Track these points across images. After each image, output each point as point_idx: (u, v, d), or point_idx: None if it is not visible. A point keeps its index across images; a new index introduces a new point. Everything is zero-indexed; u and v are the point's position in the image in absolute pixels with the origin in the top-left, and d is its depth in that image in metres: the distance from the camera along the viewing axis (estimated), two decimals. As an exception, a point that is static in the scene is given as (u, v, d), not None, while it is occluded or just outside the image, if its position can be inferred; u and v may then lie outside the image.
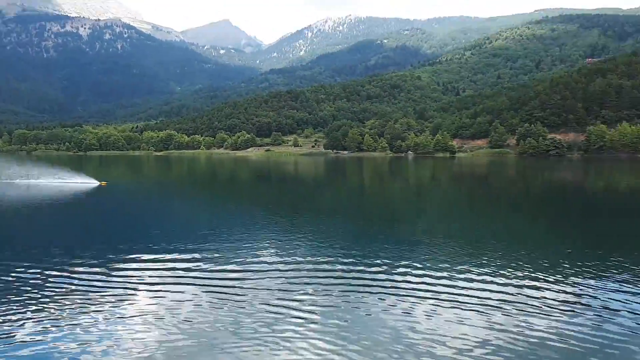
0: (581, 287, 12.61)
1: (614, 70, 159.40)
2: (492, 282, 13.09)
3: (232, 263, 15.42)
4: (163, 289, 12.74)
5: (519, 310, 10.95)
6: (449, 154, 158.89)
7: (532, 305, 11.25)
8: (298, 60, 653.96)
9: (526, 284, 12.92)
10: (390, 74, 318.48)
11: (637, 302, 11.35)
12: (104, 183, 43.80)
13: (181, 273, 14.34)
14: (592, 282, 13.09)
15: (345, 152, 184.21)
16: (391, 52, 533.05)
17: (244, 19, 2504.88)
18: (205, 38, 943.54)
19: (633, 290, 12.26)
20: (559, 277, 13.57)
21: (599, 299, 11.68)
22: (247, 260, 15.79)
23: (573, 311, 10.83)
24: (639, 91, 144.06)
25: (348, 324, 10.29)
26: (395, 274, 14.06)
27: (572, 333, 9.64)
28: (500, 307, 11.14)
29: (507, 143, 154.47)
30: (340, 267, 14.84)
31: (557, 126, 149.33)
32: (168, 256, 16.45)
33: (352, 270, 14.38)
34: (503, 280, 13.20)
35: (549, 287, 12.64)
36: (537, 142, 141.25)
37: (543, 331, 9.74)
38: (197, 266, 15.07)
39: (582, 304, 11.31)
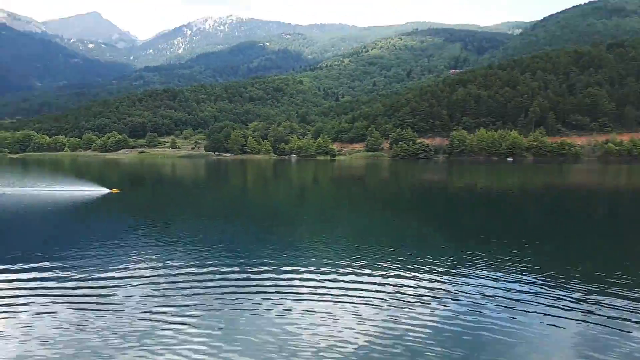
0: (449, 279, 13.08)
1: (473, 81, 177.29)
2: (368, 277, 13.27)
3: (101, 273, 13.89)
4: (22, 305, 11.12)
5: (393, 302, 11.15)
6: (329, 157, 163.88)
7: (406, 297, 11.53)
8: (176, 58, 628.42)
9: (401, 279, 13.16)
10: (273, 77, 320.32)
11: (497, 290, 11.88)
12: (115, 190, 39.59)
13: (44, 286, 12.63)
14: (460, 273, 13.61)
15: (228, 154, 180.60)
16: (273, 55, 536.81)
17: (116, 12, 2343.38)
18: (71, 30, 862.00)
19: (491, 279, 12.94)
20: (431, 270, 14.10)
21: (467, 288, 12.16)
22: (118, 269, 14.35)
23: (439, 301, 11.35)
24: (494, 100, 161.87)
25: (228, 326, 9.98)
26: (276, 274, 13.71)
27: (434, 323, 9.97)
28: (374, 301, 11.32)
29: (382, 147, 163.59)
30: (219, 270, 14.19)
31: (425, 131, 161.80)
32: (24, 272, 14.27)
33: (232, 272, 13.79)
34: (379, 276, 13.48)
35: (420, 280, 13.04)
36: (408, 146, 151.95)
37: (413, 321, 9.97)
38: (63, 278, 13.32)
39: (449, 295, 11.71)
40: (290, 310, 10.86)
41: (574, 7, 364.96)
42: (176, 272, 13.92)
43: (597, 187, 53.05)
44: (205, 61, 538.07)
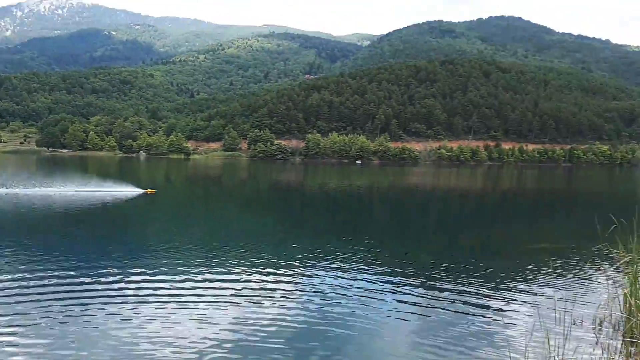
0: (299, 276, 12.55)
1: (327, 87, 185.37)
2: (218, 279, 12.25)
3: None
4: None
5: (240, 302, 10.39)
6: (183, 155, 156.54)
7: (255, 297, 10.78)
8: (3, 42, 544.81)
9: (251, 279, 12.18)
10: (119, 69, 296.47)
11: (345, 284, 11.70)
12: (151, 191, 36.40)
13: None
14: (311, 269, 13.20)
15: (65, 150, 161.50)
16: (121, 45, 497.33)
17: None
18: None
19: (340, 275, 12.75)
20: (282, 269, 13.38)
21: (317, 284, 11.72)
22: None
23: (287, 299, 10.76)
24: (345, 107, 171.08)
25: (56, 340, 8.41)
26: (118, 281, 11.84)
27: (280, 321, 9.49)
28: (222, 302, 10.51)
29: (240, 147, 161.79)
30: (51, 277, 11.91)
31: (283, 133, 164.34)
32: None
33: (67, 279, 11.36)
34: (228, 277, 12.35)
35: (271, 279, 12.23)
36: (266, 146, 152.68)
37: (261, 320, 9.45)
38: None
39: (298, 292, 11.11)
40: (135, 317, 9.50)
41: (414, 25, 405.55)
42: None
43: (432, 187, 58.96)
44: (40, 47, 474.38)
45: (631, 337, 6.63)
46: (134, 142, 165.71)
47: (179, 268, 13.37)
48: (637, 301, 7.09)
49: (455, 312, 10.00)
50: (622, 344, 6.96)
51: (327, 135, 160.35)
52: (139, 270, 12.94)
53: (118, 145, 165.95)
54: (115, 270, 12.81)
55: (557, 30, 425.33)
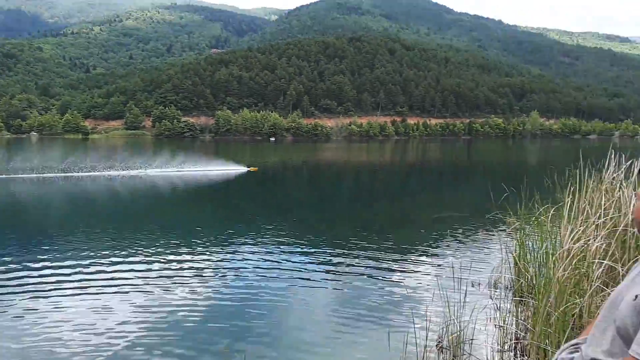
0: (217, 257, 12.26)
1: (235, 62, 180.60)
2: (136, 264, 11.37)
3: None
4: None
5: (165, 285, 9.84)
6: (81, 135, 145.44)
7: (177, 278, 10.22)
8: None
9: (170, 260, 11.65)
10: (1, 41, 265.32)
11: (263, 263, 11.66)
12: (253, 168, 39.73)
13: None
14: (232, 249, 12.96)
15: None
16: (2, 15, 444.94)
17: None
18: None
19: (259, 254, 12.67)
20: (197, 251, 12.90)
21: (238, 264, 11.52)
22: None
23: (212, 280, 10.28)
24: (255, 82, 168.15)
25: None
26: (25, 272, 10.63)
27: (212, 300, 9.05)
28: (145, 287, 9.90)
29: (144, 125, 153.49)
30: None
31: (190, 110, 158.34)
32: None
33: None
34: (145, 261, 11.63)
35: (187, 262, 11.73)
36: (172, 124, 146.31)
37: (185, 301, 9.01)
38: None
39: (218, 272, 10.84)
40: (50, 311, 8.65)
41: (320, 1, 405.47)
42: None
43: (344, 162, 60.46)
44: None
45: (520, 297, 7.23)
46: (23, 122, 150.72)
47: (78, 255, 12.38)
48: (525, 263, 7.74)
49: (364, 284, 10.31)
50: (512, 302, 7.57)
51: (237, 111, 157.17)
52: (40, 264, 11.80)
53: (4, 125, 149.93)
54: None
55: (455, 10, 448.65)
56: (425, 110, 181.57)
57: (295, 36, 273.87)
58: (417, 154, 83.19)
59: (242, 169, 39.29)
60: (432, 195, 29.23)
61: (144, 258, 12.45)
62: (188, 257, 12.62)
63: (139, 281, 10.51)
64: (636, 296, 1.48)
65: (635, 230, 5.52)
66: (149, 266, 11.68)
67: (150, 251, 13.12)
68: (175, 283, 10.40)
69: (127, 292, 9.72)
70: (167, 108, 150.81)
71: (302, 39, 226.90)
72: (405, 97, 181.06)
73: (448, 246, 13.56)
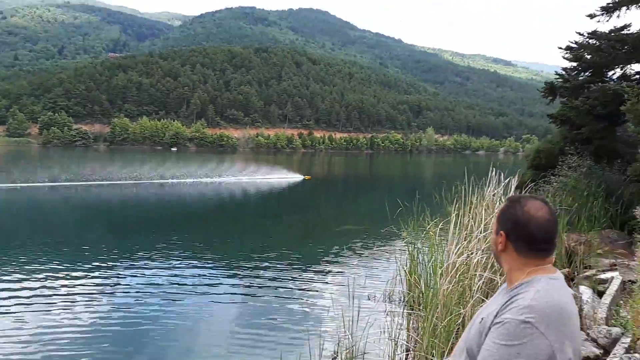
0: (114, 274, 11.42)
1: (134, 67, 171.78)
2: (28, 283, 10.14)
3: None
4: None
5: (52, 303, 8.82)
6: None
7: (67, 298, 9.27)
8: None
9: (63, 279, 10.59)
10: None
11: (159, 279, 11.10)
12: (308, 177, 44.14)
13: None
14: (126, 266, 12.13)
15: None
16: None
17: None
18: None
19: (156, 270, 12.06)
20: (85, 269, 11.91)
21: (133, 281, 10.81)
22: None
23: (109, 299, 9.55)
24: (156, 89, 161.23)
25: None
26: None
27: (96, 319, 8.27)
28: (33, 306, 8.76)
29: (29, 132, 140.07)
30: None
31: (83, 117, 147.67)
32: None
33: None
34: (35, 279, 10.45)
35: (80, 280, 10.80)
36: (63, 132, 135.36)
37: (76, 321, 8.23)
38: None
39: (114, 292, 10.12)
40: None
41: (227, 9, 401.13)
42: None
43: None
44: None
45: (411, 309, 7.55)
46: None
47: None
48: (416, 276, 8.11)
49: (264, 302, 10.26)
50: (404, 315, 7.89)
51: (136, 119, 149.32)
52: None
53: None
54: None
55: (359, 27, 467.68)
56: (331, 124, 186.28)
57: (199, 43, 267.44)
58: (323, 166, 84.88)
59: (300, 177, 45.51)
60: (335, 208, 29.90)
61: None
62: (86, 277, 11.59)
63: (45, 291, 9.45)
64: (482, 319, 1.52)
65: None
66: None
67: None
68: (75, 302, 9.48)
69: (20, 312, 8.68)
70: (57, 114, 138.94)
71: (208, 47, 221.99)
72: (311, 110, 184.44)
73: (347, 260, 13.93)
